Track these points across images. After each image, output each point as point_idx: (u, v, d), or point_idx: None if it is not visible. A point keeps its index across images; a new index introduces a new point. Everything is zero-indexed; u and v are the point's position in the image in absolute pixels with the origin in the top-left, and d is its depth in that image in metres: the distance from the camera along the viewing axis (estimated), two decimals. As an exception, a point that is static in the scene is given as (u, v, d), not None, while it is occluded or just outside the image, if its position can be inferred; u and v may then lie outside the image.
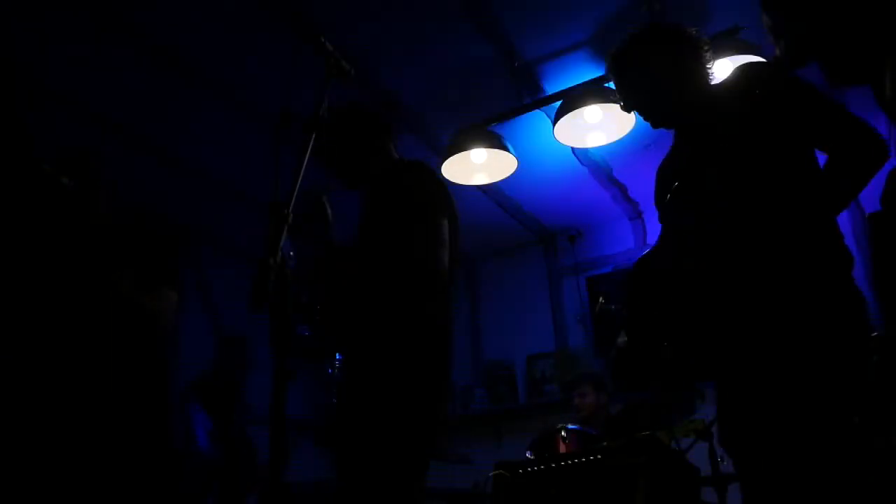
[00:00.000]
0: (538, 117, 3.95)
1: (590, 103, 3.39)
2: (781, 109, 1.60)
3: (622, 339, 2.03)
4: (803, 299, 1.53)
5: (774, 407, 1.52)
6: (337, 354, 3.11)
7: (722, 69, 3.21)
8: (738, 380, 1.60)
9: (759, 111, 1.61)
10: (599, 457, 2.82)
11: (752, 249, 1.56)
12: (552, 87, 3.75)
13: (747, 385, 1.58)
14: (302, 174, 1.58)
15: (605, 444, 3.03)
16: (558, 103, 3.61)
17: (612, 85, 3.45)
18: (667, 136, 1.98)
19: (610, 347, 4.54)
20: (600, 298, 4.76)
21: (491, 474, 3.06)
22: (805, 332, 1.51)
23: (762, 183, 1.58)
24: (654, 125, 1.89)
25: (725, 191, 1.63)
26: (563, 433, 3.18)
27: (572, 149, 4.24)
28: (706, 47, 1.81)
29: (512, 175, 4.03)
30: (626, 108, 1.92)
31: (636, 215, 5.19)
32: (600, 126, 3.62)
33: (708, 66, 1.80)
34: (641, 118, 1.90)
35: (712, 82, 1.81)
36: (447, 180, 4.02)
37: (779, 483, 1.50)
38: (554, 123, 3.61)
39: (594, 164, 4.52)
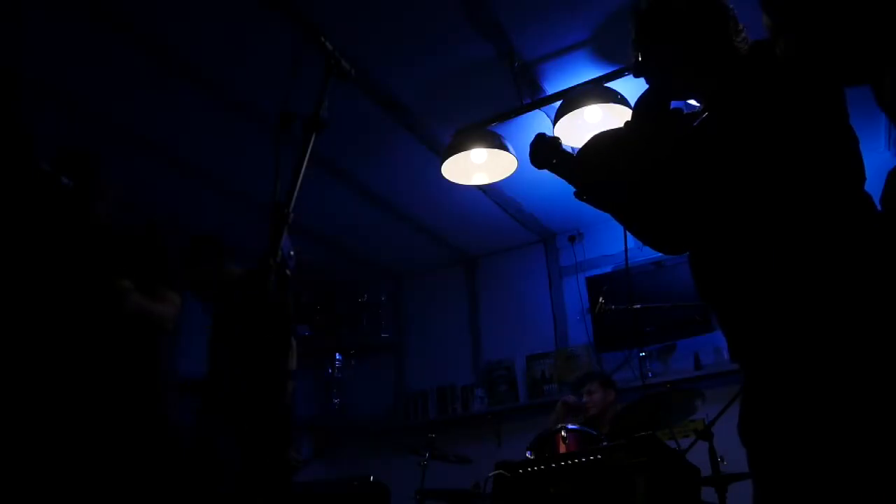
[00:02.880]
0: (538, 117, 3.94)
1: (590, 103, 3.39)
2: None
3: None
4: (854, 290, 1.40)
5: (830, 399, 1.39)
6: (337, 355, 3.12)
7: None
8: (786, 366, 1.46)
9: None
10: (599, 457, 2.82)
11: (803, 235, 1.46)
12: (552, 87, 3.75)
13: (797, 371, 1.45)
14: (302, 174, 1.58)
15: (604, 444, 3.03)
16: (558, 103, 3.61)
17: (612, 84, 3.48)
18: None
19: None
20: (600, 298, 4.78)
21: (491, 474, 3.07)
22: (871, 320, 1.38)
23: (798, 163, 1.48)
24: (674, 97, 1.76)
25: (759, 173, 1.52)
26: (563, 433, 3.18)
27: (572, 149, 4.23)
28: (732, 15, 1.72)
29: (512, 175, 4.03)
30: (641, 74, 1.77)
31: (636, 215, 5.18)
32: (600, 126, 3.62)
33: (737, 33, 1.68)
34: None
35: (739, 48, 1.68)
36: (447, 180, 4.03)
37: (817, 482, 1.40)
38: (554, 123, 3.61)
39: (594, 164, 4.51)
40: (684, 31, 1.72)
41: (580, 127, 3.59)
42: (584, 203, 1.90)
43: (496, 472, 3.05)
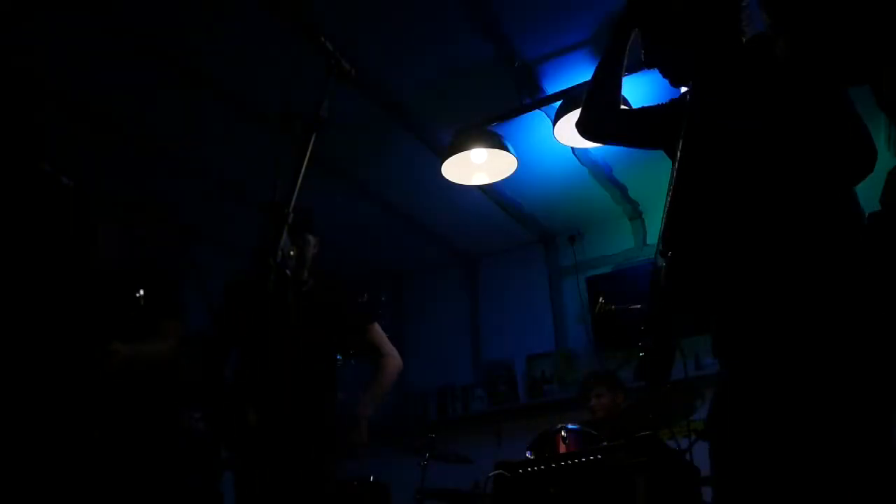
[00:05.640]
0: (538, 117, 3.95)
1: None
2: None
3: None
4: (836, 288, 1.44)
5: (794, 398, 1.44)
6: (337, 355, 3.12)
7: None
8: (753, 364, 1.51)
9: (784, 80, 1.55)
10: (599, 457, 2.82)
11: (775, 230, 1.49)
12: (552, 87, 3.75)
13: (764, 372, 1.49)
14: (302, 174, 1.58)
15: (604, 443, 3.03)
16: (558, 103, 3.61)
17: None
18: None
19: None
20: (600, 298, 4.77)
21: (491, 474, 3.07)
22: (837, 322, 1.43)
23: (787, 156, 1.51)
24: (676, 83, 1.81)
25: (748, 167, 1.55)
26: (563, 433, 3.18)
27: (572, 149, 4.24)
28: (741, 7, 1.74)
29: (512, 175, 4.03)
30: (650, 62, 1.82)
31: (636, 215, 5.18)
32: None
33: (742, 23, 1.71)
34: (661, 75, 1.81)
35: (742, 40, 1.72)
36: (447, 180, 4.03)
37: (783, 478, 1.44)
38: (554, 123, 3.62)
39: (594, 164, 4.52)
40: (702, 21, 1.73)
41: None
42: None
43: (496, 472, 3.05)
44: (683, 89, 1.89)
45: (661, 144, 1.91)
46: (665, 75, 1.82)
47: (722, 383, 1.62)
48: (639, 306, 4.04)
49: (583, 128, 2.02)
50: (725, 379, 1.61)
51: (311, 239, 2.77)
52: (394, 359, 3.13)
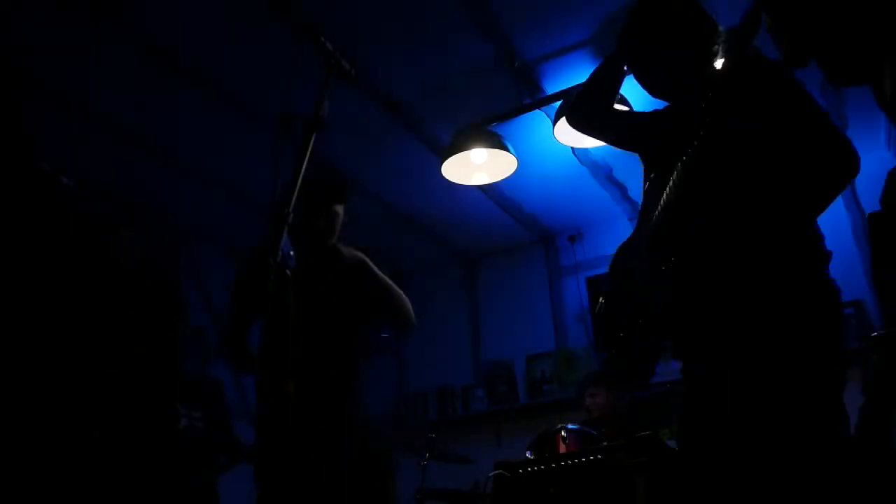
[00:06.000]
0: (538, 117, 3.95)
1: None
2: (773, 107, 1.62)
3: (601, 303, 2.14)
4: (774, 297, 1.55)
5: (743, 401, 1.55)
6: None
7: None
8: (709, 371, 1.62)
9: (753, 106, 1.63)
10: (599, 457, 2.82)
11: (728, 248, 1.59)
12: (552, 87, 3.75)
13: (717, 377, 1.60)
14: (302, 174, 1.58)
15: (604, 443, 3.03)
16: (558, 103, 3.61)
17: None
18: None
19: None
20: (600, 298, 4.76)
21: (491, 474, 3.06)
22: (775, 330, 1.54)
23: (745, 181, 1.61)
24: (652, 94, 1.91)
25: (708, 189, 1.65)
26: (563, 433, 3.18)
27: (572, 149, 4.24)
28: (718, 33, 1.82)
29: (512, 175, 4.03)
30: (632, 70, 1.94)
31: (636, 215, 5.17)
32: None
33: (715, 51, 1.80)
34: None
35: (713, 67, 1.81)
36: (447, 180, 4.03)
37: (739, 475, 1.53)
38: (554, 123, 3.61)
39: (594, 164, 4.52)
40: (678, 38, 1.81)
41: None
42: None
43: (496, 472, 3.05)
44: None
45: (639, 148, 2.05)
46: (645, 85, 1.92)
47: (687, 382, 1.72)
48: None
49: (574, 117, 2.13)
50: (689, 378, 1.72)
51: (340, 209, 2.73)
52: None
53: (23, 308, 2.19)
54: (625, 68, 2.04)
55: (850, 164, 1.55)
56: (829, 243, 1.68)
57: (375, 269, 2.80)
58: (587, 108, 2.10)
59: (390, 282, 2.85)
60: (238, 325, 2.74)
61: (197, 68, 3.48)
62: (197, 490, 3.54)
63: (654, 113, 2.03)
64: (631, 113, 2.14)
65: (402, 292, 2.92)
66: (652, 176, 1.85)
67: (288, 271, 1.48)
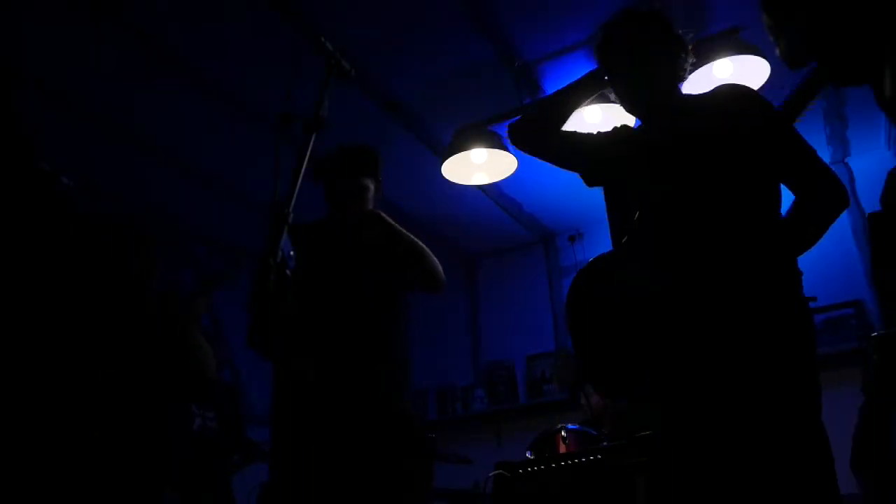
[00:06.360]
0: (538, 117, 3.94)
1: (589, 103, 3.38)
2: (757, 140, 1.65)
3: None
4: (750, 316, 1.58)
5: (724, 411, 1.58)
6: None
7: (722, 69, 3.22)
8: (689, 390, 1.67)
9: (735, 136, 1.66)
10: (599, 457, 2.82)
11: (704, 273, 1.61)
12: (552, 87, 3.75)
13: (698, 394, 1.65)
14: (302, 174, 1.58)
15: (604, 443, 3.03)
16: (558, 103, 3.60)
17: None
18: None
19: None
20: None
21: (491, 474, 3.06)
22: (753, 346, 1.56)
23: (724, 207, 1.65)
24: (628, 110, 1.96)
25: (686, 211, 1.71)
26: (563, 433, 3.18)
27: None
28: (690, 54, 1.88)
29: (512, 175, 4.03)
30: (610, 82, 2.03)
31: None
32: (600, 126, 3.61)
33: (684, 72, 1.87)
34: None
35: (683, 89, 1.88)
36: (447, 180, 4.03)
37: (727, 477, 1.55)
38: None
39: (594, 164, 4.52)
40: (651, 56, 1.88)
41: (580, 127, 3.58)
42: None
43: (496, 472, 3.05)
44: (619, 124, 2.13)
45: (585, 171, 2.18)
46: (622, 101, 1.99)
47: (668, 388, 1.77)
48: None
49: (521, 137, 2.14)
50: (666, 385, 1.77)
51: (369, 182, 2.65)
52: None
53: (23, 308, 2.19)
54: (587, 94, 2.15)
55: (842, 201, 1.59)
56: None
57: (400, 228, 2.63)
58: (531, 129, 2.14)
59: (418, 241, 2.65)
60: (258, 323, 2.66)
61: (197, 68, 3.47)
62: (211, 488, 3.56)
63: (609, 133, 2.09)
64: (579, 135, 2.15)
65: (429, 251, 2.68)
66: (616, 199, 1.93)
67: (288, 271, 1.48)
